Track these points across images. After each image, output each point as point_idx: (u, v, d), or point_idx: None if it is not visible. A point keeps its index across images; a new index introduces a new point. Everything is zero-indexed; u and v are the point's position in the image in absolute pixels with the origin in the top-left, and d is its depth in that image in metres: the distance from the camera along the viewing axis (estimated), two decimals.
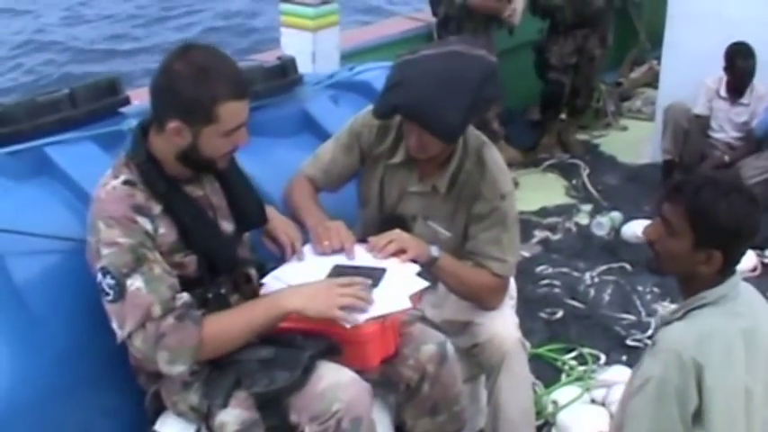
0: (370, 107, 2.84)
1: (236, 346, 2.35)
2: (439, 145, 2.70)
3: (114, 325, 2.27)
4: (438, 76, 2.61)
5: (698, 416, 2.18)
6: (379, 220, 2.93)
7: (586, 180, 6.16)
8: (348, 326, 2.34)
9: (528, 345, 2.99)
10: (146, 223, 2.29)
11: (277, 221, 2.75)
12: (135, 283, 2.23)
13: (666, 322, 2.36)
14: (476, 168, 2.84)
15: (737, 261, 2.31)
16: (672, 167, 5.87)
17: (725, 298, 2.28)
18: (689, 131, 5.80)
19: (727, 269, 2.29)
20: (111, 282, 2.24)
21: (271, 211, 2.73)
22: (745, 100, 5.75)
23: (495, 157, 2.90)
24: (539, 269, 4.79)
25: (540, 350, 3.97)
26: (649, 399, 2.20)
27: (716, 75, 5.77)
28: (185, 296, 2.30)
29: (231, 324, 2.35)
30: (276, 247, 2.73)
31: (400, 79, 2.67)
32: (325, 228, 2.68)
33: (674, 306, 2.43)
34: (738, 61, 5.62)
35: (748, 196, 2.26)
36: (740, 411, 2.22)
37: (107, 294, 2.26)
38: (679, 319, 2.32)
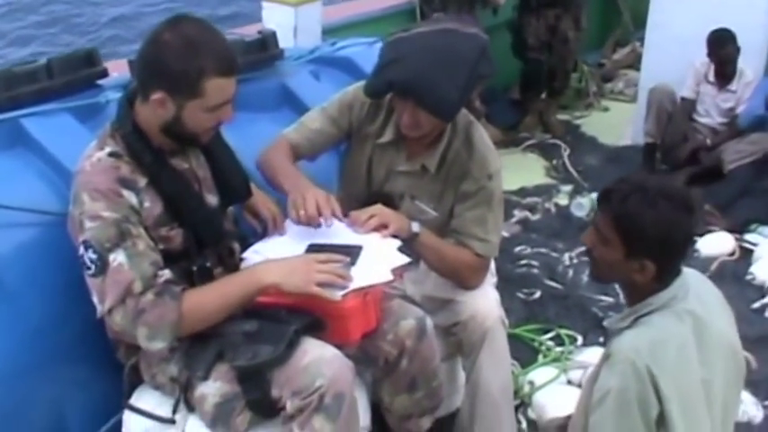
0: (361, 83, 2.82)
1: (215, 321, 2.34)
2: (432, 123, 2.68)
3: (95, 299, 2.26)
4: (435, 53, 2.59)
5: (661, 421, 2.15)
6: (366, 198, 2.90)
7: (567, 161, 6.16)
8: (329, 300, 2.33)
9: (507, 322, 2.98)
10: (131, 197, 2.27)
11: (258, 196, 2.74)
12: (117, 258, 2.22)
13: (617, 330, 2.32)
14: (464, 147, 2.83)
15: (675, 269, 2.27)
16: (653, 150, 5.89)
17: (674, 299, 2.25)
18: (672, 114, 5.80)
19: (664, 278, 2.25)
20: (94, 256, 2.22)
21: (252, 187, 2.71)
22: (732, 86, 5.74)
23: (483, 135, 2.89)
24: (517, 249, 4.78)
25: (518, 330, 3.96)
26: (610, 411, 2.16)
27: (705, 58, 5.75)
28: (167, 272, 2.29)
29: (210, 299, 2.34)
30: (257, 221, 2.72)
31: (395, 56, 2.64)
32: (302, 195, 2.61)
33: (618, 315, 2.40)
34: (717, 49, 5.62)
35: (680, 202, 2.20)
36: (701, 410, 2.21)
37: (88, 268, 2.24)
38: (629, 327, 2.28)
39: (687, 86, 5.86)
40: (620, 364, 2.16)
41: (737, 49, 5.60)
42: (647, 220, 2.17)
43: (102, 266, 2.22)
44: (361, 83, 2.83)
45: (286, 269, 2.36)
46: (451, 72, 2.58)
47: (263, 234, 2.69)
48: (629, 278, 2.28)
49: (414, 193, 2.89)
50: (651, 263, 2.21)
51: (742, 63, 5.69)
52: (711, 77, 5.79)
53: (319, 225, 2.58)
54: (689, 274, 2.33)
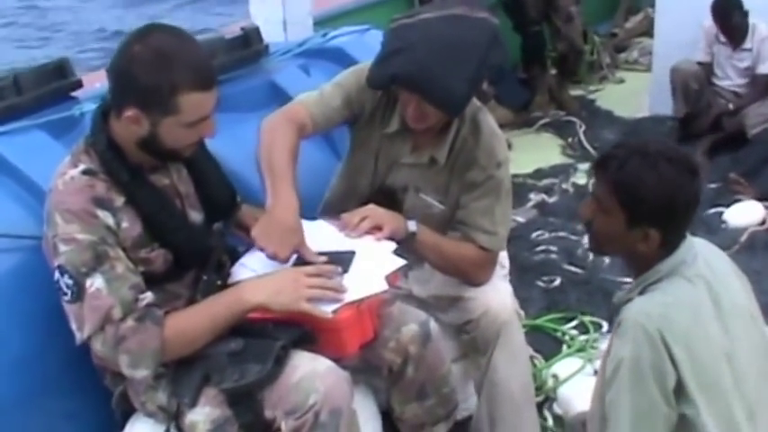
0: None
1: (200, 345, 2.25)
2: (439, 116, 2.57)
3: (73, 326, 2.18)
4: (441, 43, 2.45)
5: (679, 390, 2.05)
6: (369, 192, 2.80)
7: (583, 137, 6.06)
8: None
9: (522, 314, 2.89)
10: (107, 217, 2.17)
11: (244, 209, 2.64)
12: (95, 283, 2.13)
13: (627, 301, 2.21)
14: (471, 135, 2.71)
15: (681, 235, 2.18)
16: (687, 122, 5.74)
17: (683, 265, 2.16)
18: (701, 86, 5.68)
19: (669, 244, 2.16)
20: (69, 281, 2.14)
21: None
22: (747, 44, 5.59)
23: (491, 122, 2.77)
24: (534, 235, 4.68)
25: (539, 321, 3.85)
26: (625, 383, 2.06)
27: (705, 19, 5.62)
28: (149, 295, 2.19)
29: (194, 322, 2.25)
30: (245, 234, 2.57)
31: (399, 46, 2.50)
32: (269, 231, 2.38)
33: (625, 288, 2.33)
34: (720, 20, 5.50)
35: (682, 164, 2.11)
36: (723, 379, 2.11)
37: (65, 294, 2.16)
38: (639, 294, 2.18)
39: (701, 50, 5.74)
40: (631, 330, 2.06)
41: (744, 14, 5.46)
42: (647, 185, 2.09)
43: (79, 292, 2.13)
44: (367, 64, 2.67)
45: (273, 287, 2.25)
46: (459, 64, 2.44)
47: (250, 245, 2.55)
48: (632, 248, 2.18)
49: (419, 185, 2.77)
50: (655, 231, 2.13)
51: (755, 19, 5.52)
52: (723, 38, 5.65)
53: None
54: (696, 241, 2.24)
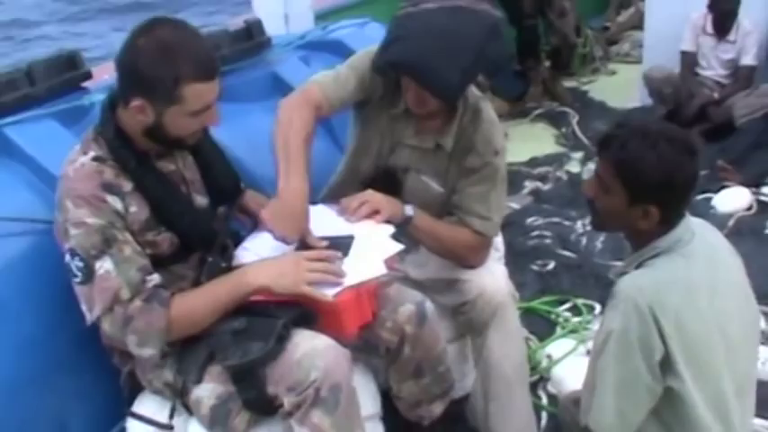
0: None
1: (205, 325, 2.30)
2: (438, 102, 2.63)
3: (83, 307, 2.23)
4: (439, 32, 2.51)
5: (666, 364, 2.10)
6: (372, 172, 2.85)
7: (576, 128, 6.14)
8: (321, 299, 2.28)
9: (517, 296, 2.93)
10: (115, 202, 2.22)
11: (249, 194, 2.70)
12: (104, 265, 2.18)
13: (622, 274, 2.25)
14: (471, 123, 2.77)
15: (679, 213, 2.21)
16: (671, 116, 5.77)
17: (679, 242, 2.20)
18: (675, 90, 5.74)
19: (668, 221, 2.20)
20: (80, 264, 2.18)
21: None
22: (731, 37, 5.69)
23: (491, 112, 2.82)
24: (529, 221, 4.74)
25: (533, 303, 3.92)
26: (612, 353, 2.11)
27: (701, 10, 5.70)
28: (156, 277, 2.24)
29: (199, 303, 2.29)
30: (248, 218, 2.67)
31: (399, 34, 2.57)
32: (279, 215, 2.44)
33: (623, 262, 2.37)
34: (720, 2, 5.57)
35: (681, 143, 2.14)
36: (714, 355, 2.15)
37: (75, 276, 2.21)
38: (635, 269, 2.23)
39: (686, 39, 5.82)
40: (623, 303, 2.10)
41: (738, 2, 5.54)
42: (648, 164, 2.11)
43: (89, 274, 2.18)
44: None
45: (275, 271, 2.30)
46: (455, 53, 2.49)
47: (252, 230, 2.64)
48: (633, 225, 2.23)
49: (420, 167, 2.82)
50: (655, 208, 2.16)
51: (742, 14, 5.61)
52: (709, 29, 5.75)
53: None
54: (693, 221, 2.28)
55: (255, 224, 2.64)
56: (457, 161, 2.78)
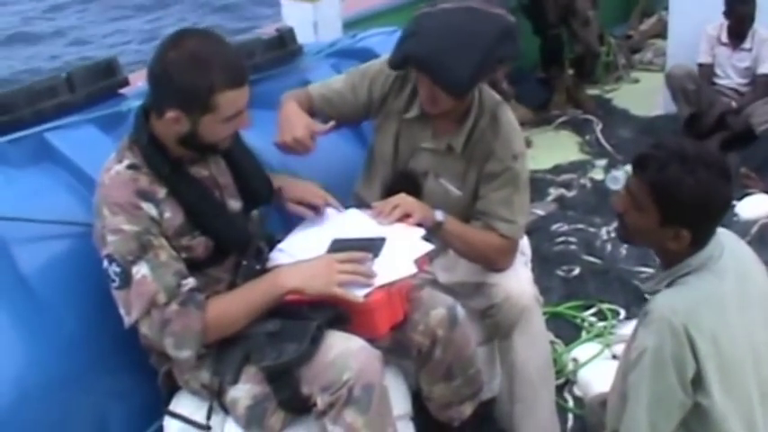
0: (388, 56, 2.80)
1: (239, 327, 2.35)
2: (449, 100, 2.67)
3: (121, 311, 2.28)
4: (452, 29, 2.58)
5: (697, 381, 2.13)
6: (392, 176, 2.91)
7: (600, 135, 6.13)
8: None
9: (542, 300, 2.96)
10: (150, 208, 2.27)
11: (298, 187, 2.73)
12: (141, 270, 2.23)
13: (654, 291, 2.28)
14: (490, 127, 2.81)
15: (709, 236, 2.21)
16: (694, 119, 5.80)
17: (711, 259, 2.21)
18: (697, 87, 5.74)
19: (699, 243, 2.20)
20: (117, 269, 2.24)
21: (285, 179, 2.73)
22: (746, 45, 5.70)
23: (510, 117, 2.87)
24: (554, 227, 4.75)
25: (559, 308, 3.95)
26: (646, 369, 2.14)
27: (716, 22, 5.72)
28: (191, 281, 2.29)
29: (233, 306, 2.35)
30: (307, 209, 2.70)
31: (416, 30, 2.64)
32: (281, 127, 2.74)
33: (655, 278, 2.37)
34: (737, 5, 5.57)
35: (718, 169, 2.13)
36: (745, 371, 2.17)
37: (113, 281, 2.26)
38: (667, 286, 2.24)
39: (702, 52, 5.83)
40: (657, 322, 2.12)
41: (755, 6, 5.56)
42: (686, 190, 2.11)
43: (126, 279, 2.23)
44: (388, 56, 2.81)
45: (308, 273, 2.36)
46: (466, 50, 2.55)
47: (289, 229, 2.70)
48: (662, 245, 2.23)
49: (438, 170, 2.88)
50: (687, 231, 2.16)
51: (756, 22, 5.63)
52: (724, 38, 5.76)
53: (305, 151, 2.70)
54: (721, 232, 2.28)
55: (317, 213, 2.70)
56: (476, 166, 2.83)
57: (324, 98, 2.89)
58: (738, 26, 5.65)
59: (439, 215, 2.72)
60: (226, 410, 2.42)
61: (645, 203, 2.19)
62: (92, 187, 2.45)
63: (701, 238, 2.20)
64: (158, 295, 2.23)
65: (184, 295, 2.26)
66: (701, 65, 5.81)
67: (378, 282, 2.36)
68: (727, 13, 5.63)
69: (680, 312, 2.11)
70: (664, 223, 2.18)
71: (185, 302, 2.25)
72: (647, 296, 2.46)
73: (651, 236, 2.24)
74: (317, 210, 2.68)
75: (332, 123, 2.80)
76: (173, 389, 2.54)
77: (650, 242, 2.30)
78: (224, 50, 2.27)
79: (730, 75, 5.80)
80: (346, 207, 2.77)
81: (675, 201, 2.13)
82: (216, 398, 2.41)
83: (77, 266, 2.49)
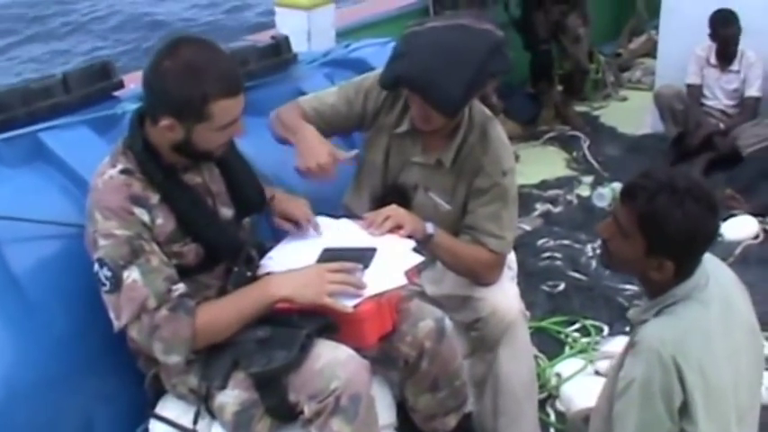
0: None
1: (229, 334, 2.35)
2: (441, 118, 2.68)
3: (111, 315, 2.28)
4: (442, 48, 2.59)
5: (684, 410, 2.14)
6: (381, 189, 2.92)
7: (587, 152, 6.17)
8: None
9: (528, 315, 2.97)
10: (143, 214, 2.28)
11: (286, 201, 2.73)
12: (131, 275, 2.23)
13: (641, 321, 2.28)
14: (479, 143, 2.82)
15: (693, 267, 2.22)
16: (681, 139, 5.84)
17: (696, 288, 2.21)
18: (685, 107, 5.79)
19: (683, 274, 2.21)
20: (108, 273, 2.24)
21: (274, 191, 2.73)
22: (734, 67, 5.75)
23: (500, 132, 2.87)
24: (540, 242, 4.77)
25: (543, 323, 3.96)
26: (634, 400, 2.15)
27: (705, 43, 5.77)
28: (181, 287, 2.29)
29: (224, 313, 2.35)
30: (291, 225, 2.70)
31: (405, 50, 2.65)
32: (305, 154, 2.71)
33: (641, 306, 2.39)
34: (719, 29, 5.63)
35: (706, 203, 2.14)
36: (727, 399, 2.19)
37: (103, 285, 2.26)
38: (655, 316, 2.25)
39: (691, 73, 5.87)
40: (646, 353, 2.13)
41: (739, 29, 5.61)
42: (674, 222, 2.12)
43: (117, 283, 2.23)
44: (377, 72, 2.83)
45: (298, 282, 2.36)
46: (457, 69, 2.56)
47: (280, 239, 2.71)
48: (646, 274, 2.25)
49: (427, 184, 2.88)
50: (671, 262, 2.17)
51: (744, 45, 5.68)
52: (713, 60, 5.80)
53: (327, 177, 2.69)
54: (706, 259, 2.28)
55: (299, 230, 2.69)
56: (465, 181, 2.84)
57: (316, 112, 2.89)
58: (724, 48, 5.69)
59: (430, 227, 2.73)
60: (213, 415, 2.41)
61: (631, 232, 2.19)
62: (84, 188, 2.46)
63: (684, 269, 2.21)
64: (148, 300, 2.23)
65: (174, 301, 2.26)
66: (689, 85, 5.86)
67: (368, 292, 2.37)
68: (712, 36, 5.68)
69: (668, 343, 2.12)
70: (649, 253, 2.19)
71: (175, 308, 2.25)
72: (631, 320, 2.46)
73: (635, 265, 2.25)
74: (300, 227, 2.68)
75: (355, 152, 2.82)
76: (159, 392, 2.54)
77: (633, 271, 2.31)
78: (219, 59, 2.27)
79: (718, 96, 5.84)
80: (337, 217, 2.77)
81: (662, 232, 2.14)
82: (203, 403, 2.41)
83: (68, 267, 2.49)
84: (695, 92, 5.87)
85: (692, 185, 2.16)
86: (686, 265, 2.20)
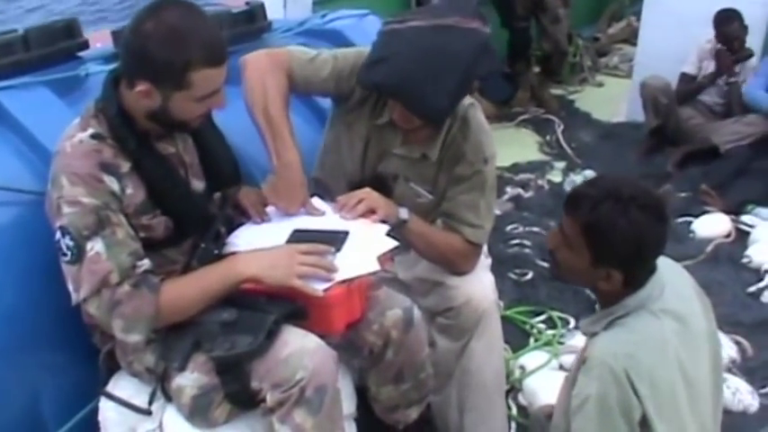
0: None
1: (193, 312, 2.27)
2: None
3: (70, 287, 2.18)
4: (425, 54, 2.44)
5: (644, 422, 2.09)
6: (360, 178, 2.83)
7: (560, 136, 6.14)
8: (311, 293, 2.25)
9: (501, 305, 2.93)
10: (112, 182, 2.18)
11: (244, 190, 2.66)
12: (95, 246, 2.14)
13: (593, 333, 2.24)
14: (461, 131, 2.74)
15: (644, 277, 2.18)
16: (658, 131, 5.80)
17: (649, 299, 2.17)
18: (669, 103, 5.71)
19: (632, 284, 2.17)
20: (70, 243, 2.14)
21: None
22: (736, 68, 5.61)
23: (481, 119, 2.79)
24: (509, 228, 4.73)
25: (509, 312, 3.91)
26: (592, 417, 2.10)
27: (711, 37, 5.64)
28: (146, 263, 2.21)
29: (188, 291, 2.26)
30: (238, 213, 2.63)
31: (385, 54, 2.50)
32: (278, 189, 2.55)
33: (591, 317, 2.34)
34: (721, 27, 5.53)
35: (653, 210, 2.10)
36: (681, 407, 2.14)
37: (64, 254, 2.16)
38: (605, 328, 2.20)
39: (690, 62, 5.76)
40: (598, 368, 2.09)
41: (744, 28, 5.51)
42: (618, 230, 2.08)
43: (79, 254, 2.14)
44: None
45: (267, 261, 2.28)
46: (442, 77, 2.45)
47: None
48: (594, 284, 2.21)
49: (408, 175, 2.81)
50: (618, 272, 2.14)
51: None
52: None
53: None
54: (663, 265, 2.24)
55: (247, 218, 2.62)
56: (447, 169, 2.77)
57: (306, 81, 2.70)
58: (729, 46, 5.56)
59: (404, 213, 2.65)
60: (168, 397, 2.34)
61: (576, 243, 2.15)
62: (41, 154, 2.40)
63: (633, 279, 2.17)
64: (111, 275, 2.13)
65: (138, 276, 2.17)
66: (685, 74, 5.76)
67: (338, 276, 2.29)
68: (717, 36, 5.58)
69: (620, 357, 2.08)
70: (595, 263, 2.15)
71: (138, 284, 2.17)
72: (581, 331, 2.40)
73: (583, 276, 2.21)
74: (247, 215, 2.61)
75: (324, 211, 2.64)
76: (113, 370, 2.46)
77: (582, 282, 2.29)
78: (205, 26, 2.17)
79: (711, 92, 5.75)
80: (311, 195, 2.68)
81: (607, 241, 2.10)
82: (159, 383, 2.33)
83: (22, 236, 2.41)
84: (688, 81, 5.76)
85: (638, 193, 2.12)
86: (635, 275, 2.17)
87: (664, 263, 2.25)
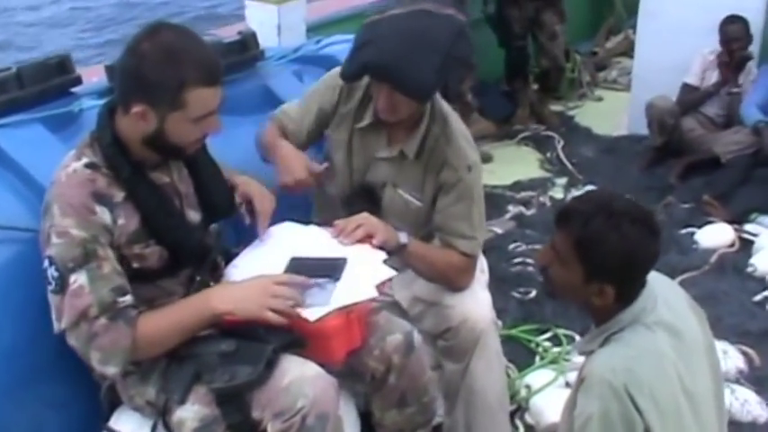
0: (332, 71, 2.79)
1: (170, 346, 2.28)
2: (409, 106, 2.63)
3: (53, 315, 2.20)
4: (407, 34, 2.52)
5: None
6: (349, 190, 2.86)
7: (561, 153, 6.09)
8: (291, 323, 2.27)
9: (500, 323, 2.91)
10: (104, 213, 2.19)
11: (254, 187, 2.64)
12: (78, 279, 2.15)
13: (589, 352, 2.24)
14: (443, 135, 2.76)
15: (636, 291, 2.18)
16: (662, 149, 5.76)
17: (643, 312, 2.16)
18: (675, 124, 5.67)
19: (624, 299, 2.17)
20: (55, 273, 2.16)
21: (246, 179, 2.66)
22: (739, 79, 5.58)
23: (461, 126, 2.84)
24: (512, 246, 4.69)
25: (514, 331, 3.89)
26: None
27: (715, 47, 5.59)
28: (128, 299, 2.21)
29: (164, 325, 2.26)
30: (247, 209, 2.62)
31: (369, 38, 2.58)
32: (284, 167, 2.73)
33: (586, 336, 2.34)
34: (725, 26, 5.48)
35: (645, 224, 2.12)
36: (684, 418, 2.13)
37: (50, 283, 2.19)
38: (601, 345, 2.19)
39: (692, 73, 5.70)
40: (597, 386, 2.08)
41: (748, 35, 5.46)
42: (610, 245, 2.08)
43: (62, 285, 2.16)
44: (332, 71, 2.81)
45: (239, 295, 2.29)
46: (426, 54, 2.50)
47: (246, 227, 2.62)
48: (587, 300, 2.20)
49: (396, 181, 2.82)
50: (611, 287, 2.14)
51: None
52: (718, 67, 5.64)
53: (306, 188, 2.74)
54: (654, 279, 2.25)
55: (252, 222, 2.61)
56: (432, 175, 2.78)
57: (294, 135, 2.87)
58: (729, 55, 5.51)
59: (403, 237, 2.66)
60: (170, 430, 2.32)
61: (568, 258, 2.15)
62: (36, 190, 2.40)
63: (626, 294, 2.17)
64: (90, 309, 2.15)
65: (116, 310, 2.17)
66: (687, 84, 5.71)
67: (337, 304, 2.29)
68: (721, 43, 5.52)
69: (619, 372, 2.06)
70: (588, 279, 2.15)
71: (115, 317, 2.17)
72: (577, 352, 2.38)
73: (576, 291, 2.20)
74: (252, 215, 2.60)
75: (326, 164, 2.81)
76: (115, 404, 2.45)
77: (575, 298, 2.26)
78: (199, 47, 2.22)
79: (712, 103, 5.68)
80: (306, 223, 2.71)
81: (599, 257, 2.11)
82: (160, 417, 2.32)
83: (18, 274, 2.40)
84: (689, 91, 5.70)
85: (630, 208, 2.14)
86: (628, 290, 2.17)
87: (653, 276, 2.25)
